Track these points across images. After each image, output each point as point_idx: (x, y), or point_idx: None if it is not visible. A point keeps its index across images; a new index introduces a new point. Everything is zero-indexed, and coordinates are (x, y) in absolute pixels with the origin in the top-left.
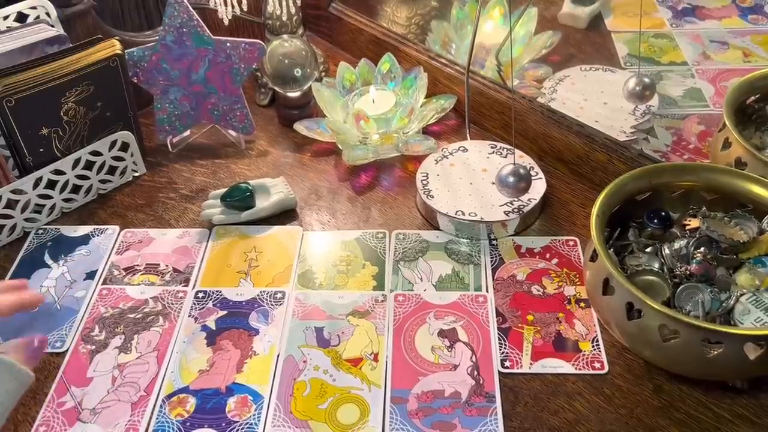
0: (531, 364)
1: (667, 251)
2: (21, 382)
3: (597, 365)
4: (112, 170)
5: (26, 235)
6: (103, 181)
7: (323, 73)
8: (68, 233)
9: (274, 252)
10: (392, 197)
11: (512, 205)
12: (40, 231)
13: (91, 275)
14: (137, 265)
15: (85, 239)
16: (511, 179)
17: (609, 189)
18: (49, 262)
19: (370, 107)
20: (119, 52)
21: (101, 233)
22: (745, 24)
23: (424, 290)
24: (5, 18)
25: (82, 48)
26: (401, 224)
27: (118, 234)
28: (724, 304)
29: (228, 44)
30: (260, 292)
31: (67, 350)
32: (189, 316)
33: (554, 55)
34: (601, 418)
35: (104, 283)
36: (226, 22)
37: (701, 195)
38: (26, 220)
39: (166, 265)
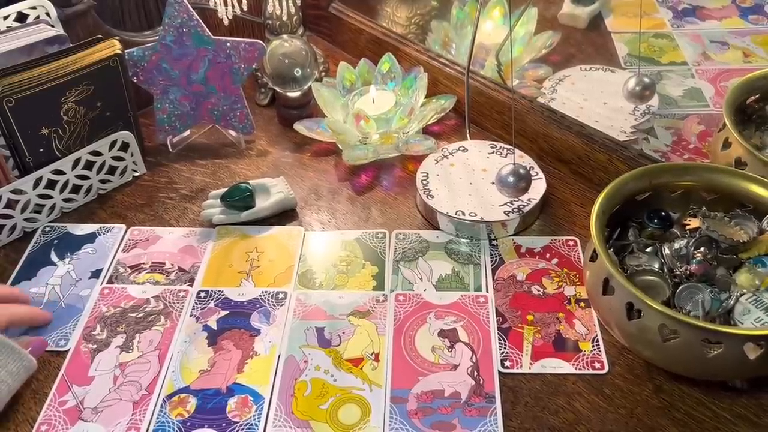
0: (531, 364)
1: (667, 251)
2: (24, 366)
3: (597, 365)
4: (112, 170)
5: (33, 233)
6: (103, 181)
7: (323, 73)
8: (75, 231)
9: (276, 252)
10: (392, 197)
11: (512, 205)
12: (47, 228)
13: (96, 273)
14: (143, 264)
15: (91, 237)
16: (511, 179)
17: (609, 189)
18: (55, 259)
19: (370, 107)
20: (119, 52)
21: (108, 231)
22: (745, 24)
23: (424, 290)
24: (5, 18)
25: (82, 48)
26: (401, 224)
27: (125, 232)
28: (724, 304)
29: (228, 44)
30: (262, 292)
31: (68, 349)
32: (190, 315)
33: (554, 55)
34: (601, 418)
35: (110, 281)
36: (226, 22)
37: (701, 195)
38: (26, 220)
39: (172, 264)
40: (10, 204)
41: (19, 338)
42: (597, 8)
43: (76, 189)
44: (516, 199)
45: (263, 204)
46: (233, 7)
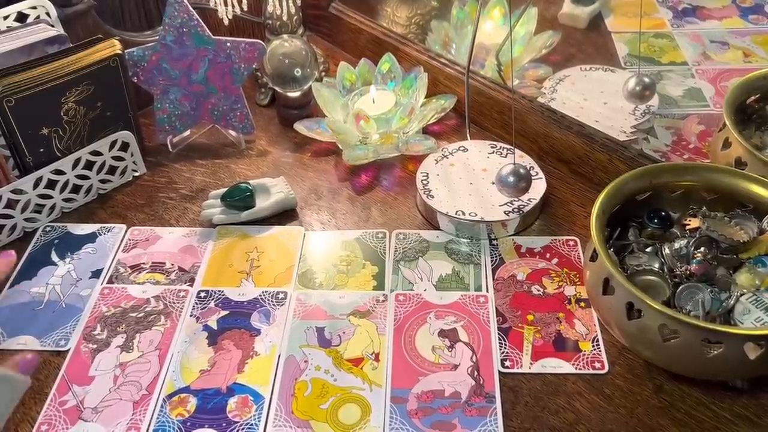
0: (531, 364)
1: (667, 251)
2: (16, 388)
3: (597, 365)
4: (112, 170)
5: (33, 233)
6: (103, 181)
7: (323, 73)
8: (75, 231)
9: (276, 252)
10: (392, 197)
11: (512, 204)
12: (48, 228)
13: (96, 273)
14: (143, 264)
15: (92, 237)
16: (511, 179)
17: (609, 189)
18: (56, 259)
19: (370, 107)
20: (119, 52)
21: (108, 231)
22: (745, 24)
23: (425, 290)
24: (5, 18)
25: (82, 48)
26: (401, 224)
27: (125, 232)
28: (724, 304)
29: (228, 44)
30: (262, 292)
31: (68, 349)
32: (191, 315)
33: (554, 55)
34: (601, 418)
35: (110, 281)
36: (226, 22)
37: (701, 195)
38: (26, 220)
39: (172, 264)
40: (11, 204)
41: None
42: (597, 8)
43: (76, 189)
44: (516, 199)
45: (263, 204)
46: (233, 7)
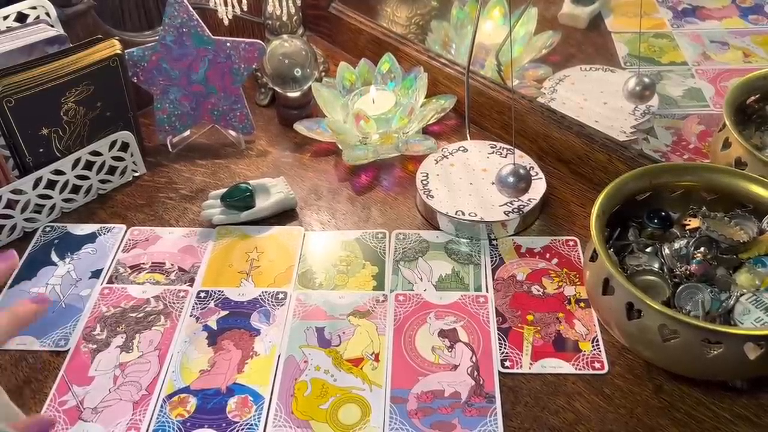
0: (531, 364)
1: (667, 251)
2: None
3: (597, 365)
4: (112, 170)
5: (33, 233)
6: (103, 181)
7: (323, 73)
8: (75, 231)
9: (276, 252)
10: (392, 197)
11: (512, 205)
12: (48, 228)
13: (96, 273)
14: (143, 264)
15: (91, 237)
16: (511, 179)
17: (609, 189)
18: (56, 259)
19: (370, 107)
20: (119, 52)
21: (108, 231)
22: (745, 24)
23: (424, 290)
24: (5, 18)
25: (82, 48)
26: (401, 224)
27: (125, 232)
28: (724, 304)
29: (228, 44)
30: (262, 292)
31: (68, 349)
32: (190, 315)
33: (554, 55)
34: (601, 418)
35: (110, 281)
36: (226, 22)
37: (701, 195)
38: (26, 220)
39: (172, 264)
40: (10, 204)
41: (21, 419)
42: (597, 8)
43: (76, 189)
44: (516, 199)
45: (263, 204)
46: (233, 7)
